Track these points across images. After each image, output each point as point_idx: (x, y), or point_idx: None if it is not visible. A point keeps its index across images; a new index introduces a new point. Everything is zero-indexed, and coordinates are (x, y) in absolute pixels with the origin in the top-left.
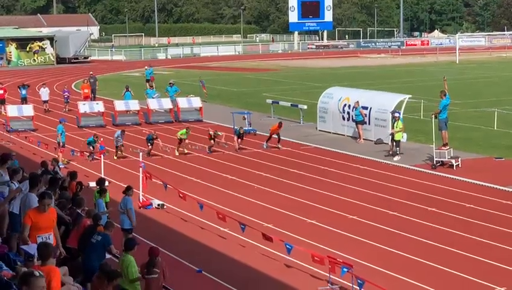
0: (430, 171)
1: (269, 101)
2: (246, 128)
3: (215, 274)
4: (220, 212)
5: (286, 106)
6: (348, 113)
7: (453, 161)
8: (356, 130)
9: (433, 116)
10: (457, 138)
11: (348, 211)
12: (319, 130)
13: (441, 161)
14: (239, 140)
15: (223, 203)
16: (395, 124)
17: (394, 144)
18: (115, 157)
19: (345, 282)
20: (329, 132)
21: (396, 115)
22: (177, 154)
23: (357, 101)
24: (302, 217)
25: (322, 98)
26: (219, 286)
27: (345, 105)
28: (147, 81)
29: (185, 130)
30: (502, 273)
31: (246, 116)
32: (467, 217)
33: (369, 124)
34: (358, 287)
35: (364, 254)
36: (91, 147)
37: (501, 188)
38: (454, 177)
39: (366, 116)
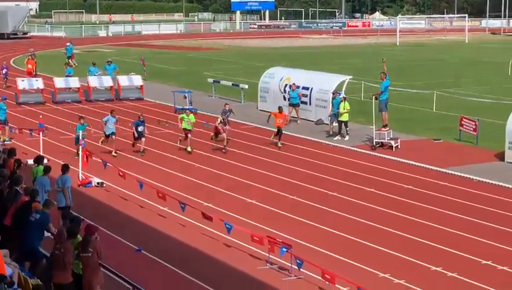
0: (369, 152)
1: (210, 80)
2: (187, 106)
3: (154, 253)
4: (160, 191)
5: (227, 86)
6: (289, 93)
7: (393, 142)
8: (293, 111)
9: (373, 97)
10: (396, 120)
11: (288, 191)
12: (260, 110)
13: (381, 142)
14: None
15: (163, 182)
16: (342, 105)
17: (342, 124)
18: (114, 154)
19: (284, 262)
20: (270, 112)
21: (342, 96)
22: (189, 149)
23: (294, 84)
24: (242, 197)
25: (263, 78)
26: (158, 265)
27: (286, 85)
28: (68, 58)
29: (190, 115)
30: (438, 253)
31: (186, 95)
32: (405, 198)
33: (310, 104)
34: (297, 267)
35: (304, 234)
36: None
37: (439, 169)
38: (393, 158)
39: (305, 97)
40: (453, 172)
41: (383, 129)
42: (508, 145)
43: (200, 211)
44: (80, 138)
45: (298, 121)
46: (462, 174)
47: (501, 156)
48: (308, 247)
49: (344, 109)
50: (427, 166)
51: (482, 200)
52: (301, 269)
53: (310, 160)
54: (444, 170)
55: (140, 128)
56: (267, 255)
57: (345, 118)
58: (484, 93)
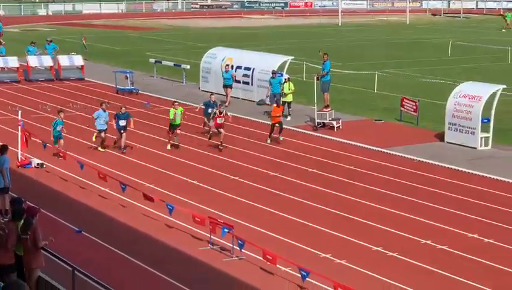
0: (311, 133)
1: (152, 60)
2: (128, 87)
3: (95, 234)
4: (100, 172)
5: (169, 66)
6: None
7: (334, 123)
8: (225, 93)
9: (316, 78)
10: (338, 100)
11: (229, 172)
12: (202, 90)
13: (322, 123)
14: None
15: (103, 162)
16: (287, 86)
17: (285, 105)
18: (100, 149)
19: (226, 243)
20: (212, 92)
21: (287, 76)
22: (168, 148)
23: (227, 65)
24: (184, 178)
25: (205, 58)
26: (99, 246)
27: (227, 65)
28: None
29: (178, 109)
30: (379, 233)
31: (128, 76)
32: (346, 178)
33: (251, 85)
34: (238, 248)
35: (245, 215)
36: None
37: (380, 149)
38: (335, 138)
39: (246, 77)
40: (393, 152)
41: (324, 110)
42: (448, 125)
43: (141, 191)
44: (19, 119)
45: (227, 104)
46: (403, 155)
47: (441, 136)
48: (250, 228)
49: (289, 89)
50: (368, 146)
51: (422, 180)
52: (243, 250)
53: (251, 140)
54: (385, 150)
55: (122, 123)
56: (209, 236)
57: (289, 98)
58: (425, 74)
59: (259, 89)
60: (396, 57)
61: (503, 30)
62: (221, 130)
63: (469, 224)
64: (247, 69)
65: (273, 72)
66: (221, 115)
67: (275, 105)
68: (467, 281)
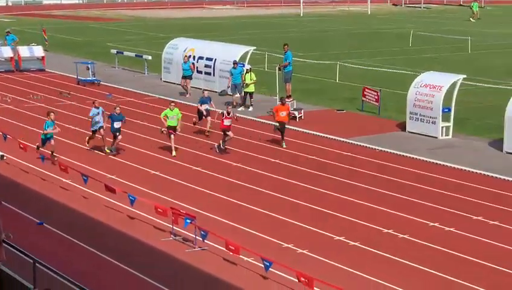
0: (273, 123)
1: (113, 51)
2: (90, 78)
3: (57, 226)
4: (62, 164)
5: (130, 57)
6: (193, 64)
7: (296, 113)
8: (184, 84)
9: (278, 68)
10: (300, 90)
11: (191, 162)
12: (164, 81)
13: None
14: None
15: (65, 154)
16: (249, 76)
17: (247, 95)
18: (107, 151)
19: (188, 233)
20: (174, 83)
21: (248, 67)
22: (174, 154)
23: (186, 56)
24: (146, 169)
25: (167, 49)
26: (61, 239)
27: (189, 56)
28: None
29: (175, 109)
30: (342, 223)
31: (89, 66)
32: (308, 168)
33: (213, 75)
34: (201, 239)
35: (208, 205)
36: None
37: (342, 139)
38: (297, 128)
39: (208, 68)
40: (355, 142)
41: (286, 100)
42: (409, 115)
43: (103, 183)
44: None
45: (187, 95)
46: (365, 144)
47: (402, 126)
48: (213, 218)
49: (251, 80)
50: (330, 136)
51: (384, 170)
52: (205, 241)
53: (212, 131)
54: (347, 140)
55: (116, 125)
56: (171, 226)
57: (251, 89)
58: (386, 64)
59: (221, 79)
60: (357, 47)
61: (472, 20)
62: (229, 133)
63: (430, 213)
64: (209, 59)
65: (234, 63)
66: (229, 116)
67: (279, 103)
68: (428, 269)
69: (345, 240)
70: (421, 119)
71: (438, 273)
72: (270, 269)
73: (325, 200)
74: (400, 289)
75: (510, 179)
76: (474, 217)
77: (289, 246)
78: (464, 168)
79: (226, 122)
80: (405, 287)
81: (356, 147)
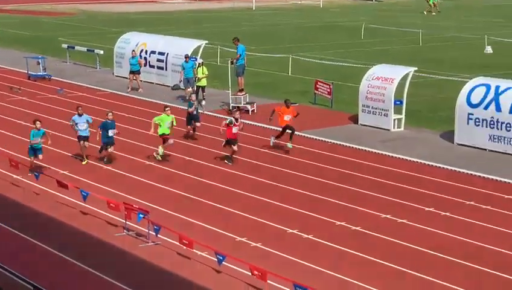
0: (226, 117)
1: (65, 45)
2: (41, 73)
3: (9, 224)
4: (12, 160)
5: (82, 51)
6: (145, 59)
7: (249, 106)
8: (133, 79)
9: (230, 62)
10: (253, 84)
11: (143, 156)
12: (116, 76)
13: (237, 107)
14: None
15: (15, 150)
16: (201, 70)
17: (200, 89)
18: (84, 162)
19: (142, 228)
20: (126, 78)
21: (200, 61)
22: (159, 158)
23: (133, 50)
24: (98, 164)
25: (119, 44)
26: (14, 236)
27: (141, 51)
28: None
29: (171, 116)
30: (294, 215)
31: (40, 61)
32: (261, 161)
33: (166, 70)
34: (154, 233)
35: (160, 200)
36: None
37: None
38: (249, 122)
39: (161, 62)
40: (308, 135)
41: (239, 94)
42: (362, 107)
43: (55, 178)
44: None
45: (140, 90)
46: (318, 137)
47: (355, 119)
48: (166, 213)
49: (203, 74)
50: None
51: (336, 163)
52: (159, 235)
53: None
54: (300, 133)
55: (110, 133)
56: (124, 221)
57: (203, 83)
58: (338, 57)
59: (174, 73)
60: (310, 40)
61: (433, 14)
62: (235, 146)
63: (383, 205)
64: (161, 54)
65: (186, 56)
66: (238, 123)
67: (283, 106)
68: (381, 261)
69: (298, 233)
70: (373, 111)
71: (390, 264)
72: (223, 262)
73: (277, 193)
74: (353, 281)
75: (461, 170)
76: (426, 209)
77: (242, 239)
78: (415, 160)
79: (235, 130)
80: (358, 279)
81: (309, 140)
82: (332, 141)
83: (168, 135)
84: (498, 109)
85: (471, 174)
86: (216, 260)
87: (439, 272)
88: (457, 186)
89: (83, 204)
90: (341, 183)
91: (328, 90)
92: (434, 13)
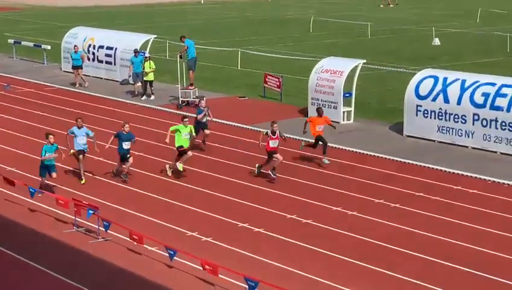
0: (175, 111)
1: (11, 41)
2: None
3: None
4: None
5: (29, 46)
6: (94, 53)
7: (198, 101)
8: (77, 75)
9: (179, 56)
10: (202, 78)
11: (93, 152)
12: (64, 71)
13: (187, 101)
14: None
15: None
16: (148, 65)
17: (147, 84)
18: (82, 182)
19: (91, 224)
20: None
21: (147, 55)
22: (169, 173)
23: (76, 45)
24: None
25: (66, 38)
26: None
27: (89, 45)
28: None
29: (189, 126)
30: (245, 209)
31: None
32: (211, 155)
33: (114, 64)
34: (104, 229)
35: (110, 195)
36: None
37: (244, 126)
38: None
39: (109, 57)
40: (258, 128)
41: (190, 88)
42: (311, 100)
43: (2, 175)
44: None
45: (86, 84)
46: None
47: (305, 112)
48: (115, 208)
49: (150, 68)
50: (233, 123)
51: (286, 156)
52: (109, 231)
53: (116, 120)
54: (249, 127)
55: (125, 146)
56: (74, 218)
57: (150, 77)
58: (287, 50)
59: (122, 68)
60: (259, 33)
61: (390, 6)
62: (277, 155)
63: (333, 197)
64: (110, 48)
65: (135, 51)
66: (275, 136)
67: (315, 115)
68: (331, 253)
69: (248, 226)
70: (322, 104)
71: (340, 256)
72: (174, 257)
73: (227, 187)
74: (304, 274)
75: (411, 161)
76: (376, 201)
77: (193, 234)
78: (365, 152)
79: (272, 143)
80: (309, 272)
81: (258, 134)
82: (283, 134)
83: (187, 148)
84: (446, 100)
85: (420, 165)
86: (167, 255)
87: (386, 263)
88: (407, 177)
89: (31, 201)
90: (291, 176)
91: (278, 83)
92: (392, 5)
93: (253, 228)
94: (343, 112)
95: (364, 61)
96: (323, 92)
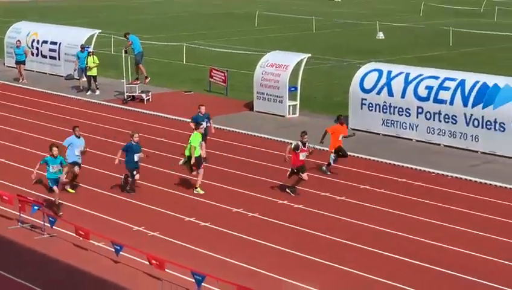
0: (121, 106)
1: None
2: None
3: None
4: None
5: None
6: (37, 48)
7: (144, 95)
8: (20, 70)
9: (124, 51)
10: (148, 73)
11: (37, 147)
12: (7, 66)
13: (132, 96)
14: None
15: None
16: (91, 60)
17: (91, 79)
18: (69, 190)
19: (36, 220)
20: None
21: (91, 50)
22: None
23: (18, 40)
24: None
25: (10, 33)
26: None
27: (33, 40)
28: None
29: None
30: (192, 204)
31: None
32: (156, 150)
33: (59, 59)
34: (49, 225)
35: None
36: None
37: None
38: (145, 111)
39: (53, 52)
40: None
41: (136, 82)
42: (256, 94)
43: None
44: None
45: (24, 80)
46: (214, 125)
47: (250, 106)
48: (61, 204)
49: (93, 63)
50: (179, 118)
51: (232, 150)
52: (54, 227)
53: (63, 116)
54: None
55: (136, 157)
56: (18, 214)
57: (93, 72)
58: (233, 45)
59: (67, 63)
60: (205, 28)
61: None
62: (304, 175)
63: (279, 191)
64: (54, 43)
65: (82, 47)
66: (305, 148)
67: (336, 124)
68: (277, 246)
69: (195, 221)
70: (268, 98)
71: (286, 249)
72: (121, 252)
73: (172, 181)
74: (250, 267)
75: (355, 154)
76: (322, 193)
77: (140, 229)
78: (310, 145)
79: (302, 156)
80: (254, 265)
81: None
82: (228, 129)
83: (199, 156)
84: (390, 93)
85: (365, 158)
86: (113, 250)
87: (330, 254)
88: (352, 170)
89: None
90: (237, 170)
91: (223, 77)
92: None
93: (199, 222)
94: (289, 105)
95: (310, 55)
96: (268, 86)
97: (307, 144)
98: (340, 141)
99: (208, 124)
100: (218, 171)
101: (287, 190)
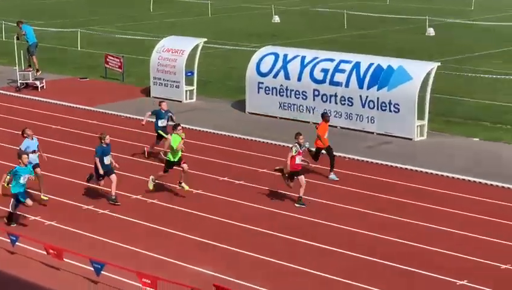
0: (14, 94)
1: None
2: None
3: None
4: None
5: None
6: None
7: (38, 83)
8: None
9: (16, 37)
10: (42, 60)
11: None
12: None
13: (25, 83)
14: None
15: None
16: None
17: None
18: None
19: None
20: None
21: None
22: (187, 188)
23: None
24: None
25: None
26: None
27: None
28: None
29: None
30: (87, 191)
31: None
32: (57, 139)
33: None
34: None
35: None
36: None
37: (86, 108)
38: (39, 98)
39: None
40: (100, 110)
41: (29, 69)
42: (153, 80)
43: None
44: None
45: None
46: (110, 112)
47: (147, 92)
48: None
49: None
50: (74, 105)
51: (130, 136)
52: None
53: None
54: (92, 108)
55: (106, 161)
56: None
57: None
58: (128, 30)
59: None
60: (100, 13)
61: None
62: (303, 178)
63: (177, 177)
64: None
65: None
66: (302, 149)
67: (322, 122)
68: (176, 232)
69: (94, 209)
70: (164, 84)
71: (186, 234)
72: (16, 243)
73: (75, 170)
74: (150, 254)
75: (253, 138)
76: (221, 178)
77: (36, 218)
78: (207, 130)
79: (298, 159)
80: (156, 252)
81: (102, 115)
82: (125, 115)
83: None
84: (287, 77)
85: (263, 141)
86: (9, 241)
87: (246, 242)
88: (250, 154)
89: None
90: (139, 157)
91: (119, 64)
92: None
93: (98, 209)
94: (186, 90)
95: (205, 39)
96: (165, 71)
97: (303, 145)
98: (326, 139)
99: (169, 123)
100: (118, 159)
101: (296, 205)
